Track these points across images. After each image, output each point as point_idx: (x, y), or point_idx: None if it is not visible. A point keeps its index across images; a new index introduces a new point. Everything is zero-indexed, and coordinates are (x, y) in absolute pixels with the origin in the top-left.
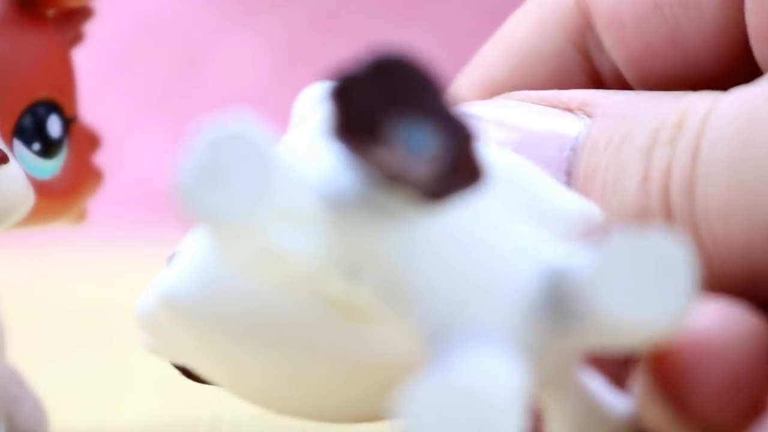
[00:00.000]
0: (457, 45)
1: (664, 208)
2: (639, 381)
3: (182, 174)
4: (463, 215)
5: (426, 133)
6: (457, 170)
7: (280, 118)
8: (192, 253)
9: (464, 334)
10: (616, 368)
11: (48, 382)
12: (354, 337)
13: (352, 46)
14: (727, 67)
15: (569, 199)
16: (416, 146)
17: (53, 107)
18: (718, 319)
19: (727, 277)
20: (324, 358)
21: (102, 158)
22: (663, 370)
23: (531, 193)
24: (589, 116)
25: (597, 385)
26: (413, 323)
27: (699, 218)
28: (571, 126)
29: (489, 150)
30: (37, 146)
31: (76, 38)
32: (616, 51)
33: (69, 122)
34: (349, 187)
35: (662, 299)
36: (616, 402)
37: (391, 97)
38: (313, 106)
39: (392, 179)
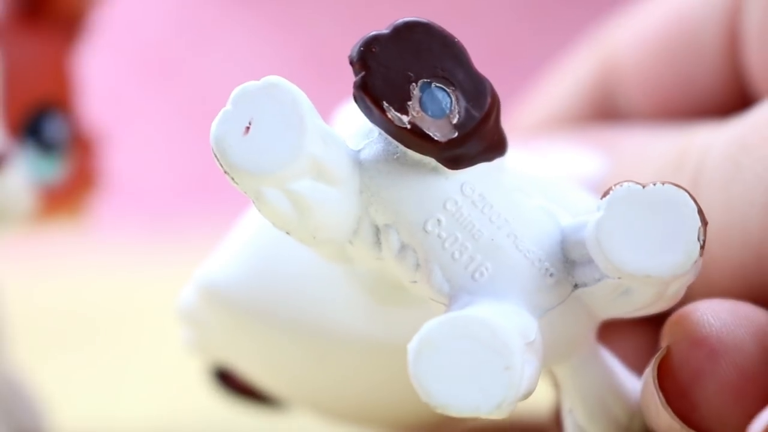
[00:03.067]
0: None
1: None
2: (645, 384)
3: (216, 130)
4: (485, 178)
5: (447, 96)
6: (476, 135)
7: None
8: (230, 245)
9: (482, 291)
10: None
11: (48, 382)
12: (386, 321)
13: (357, 33)
14: (728, 99)
15: (588, 199)
16: (436, 109)
17: (55, 109)
18: (725, 320)
19: (729, 297)
20: (356, 340)
21: (104, 160)
22: (671, 374)
23: (552, 190)
24: (611, 151)
25: (616, 365)
26: (435, 282)
27: None
28: (593, 164)
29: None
30: (38, 147)
31: (78, 41)
32: (638, 99)
33: (71, 124)
34: (376, 146)
35: (666, 244)
36: (633, 383)
37: (412, 60)
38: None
39: (412, 141)
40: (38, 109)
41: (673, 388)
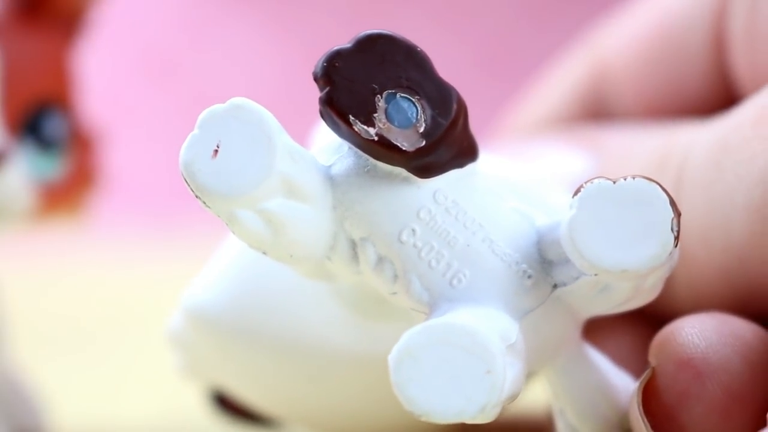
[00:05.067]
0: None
1: None
2: (631, 406)
3: (185, 154)
4: (457, 184)
5: (412, 105)
6: (445, 143)
7: (282, 105)
8: (214, 266)
9: (461, 298)
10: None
11: (48, 380)
12: (371, 336)
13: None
14: (715, 99)
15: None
16: (403, 119)
17: (55, 107)
18: (710, 339)
19: (714, 299)
20: (342, 356)
21: (103, 157)
22: (657, 396)
23: (532, 192)
24: (597, 151)
25: (604, 363)
26: (413, 292)
27: (683, 243)
28: (579, 164)
29: (494, 159)
30: (38, 145)
31: (78, 39)
32: (628, 100)
33: (70, 121)
34: (347, 160)
35: (640, 237)
36: (622, 380)
37: (378, 72)
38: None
39: (381, 153)
40: (38, 107)
41: (659, 410)
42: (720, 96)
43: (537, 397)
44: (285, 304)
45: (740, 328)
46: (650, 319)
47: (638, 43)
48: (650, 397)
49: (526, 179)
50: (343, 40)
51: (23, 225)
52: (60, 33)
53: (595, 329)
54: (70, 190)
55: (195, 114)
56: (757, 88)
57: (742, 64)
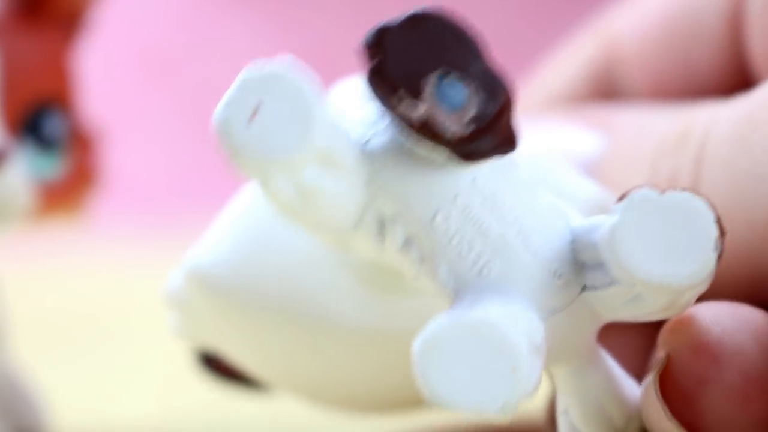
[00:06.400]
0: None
1: None
2: (646, 393)
3: (222, 112)
4: (496, 173)
5: (462, 89)
6: (491, 130)
7: None
8: (219, 228)
9: (488, 289)
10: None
11: (48, 380)
12: (380, 310)
13: (357, 33)
14: (728, 81)
15: (588, 186)
16: (451, 102)
17: (54, 106)
18: (724, 324)
19: (731, 279)
20: (350, 329)
21: (103, 157)
22: (673, 383)
23: (554, 177)
24: (607, 129)
25: (615, 367)
26: (440, 277)
27: None
28: (589, 143)
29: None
30: (37, 144)
31: (78, 38)
32: (639, 81)
33: (70, 121)
34: (384, 136)
35: (682, 253)
36: (630, 386)
37: (428, 51)
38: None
39: (425, 134)
40: (37, 106)
41: (676, 396)
42: (733, 78)
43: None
44: (292, 270)
45: (752, 314)
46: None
47: (650, 23)
48: (666, 384)
49: (546, 163)
50: (343, 40)
51: (23, 224)
52: (60, 33)
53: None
54: (69, 189)
55: (194, 114)
56: None
57: (758, 46)
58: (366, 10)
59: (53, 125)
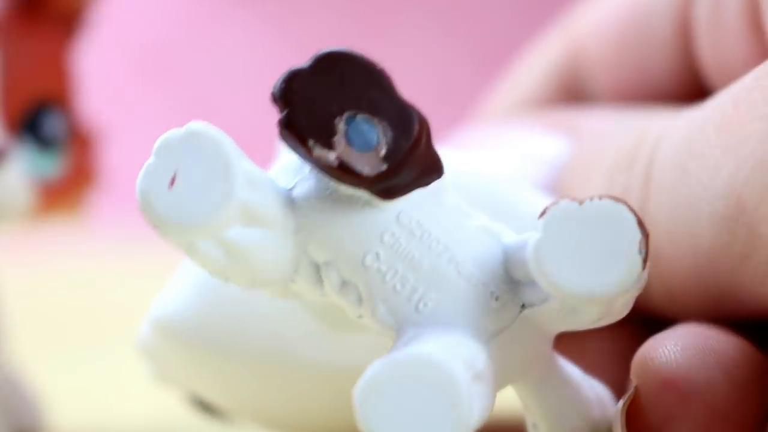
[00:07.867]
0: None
1: None
2: (614, 426)
3: (141, 184)
4: (422, 203)
5: (372, 128)
6: (407, 164)
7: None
8: (182, 276)
9: (427, 322)
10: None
11: (48, 380)
12: (340, 346)
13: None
14: (683, 87)
15: (539, 204)
16: (363, 142)
17: (54, 105)
18: (692, 357)
19: (688, 299)
20: (313, 367)
21: (102, 156)
22: (640, 417)
23: (507, 196)
24: (573, 134)
25: (575, 374)
26: (380, 316)
27: (653, 241)
28: (554, 147)
29: (456, 157)
30: (37, 143)
31: (77, 38)
32: (603, 85)
33: (69, 120)
34: (309, 181)
35: (608, 261)
36: (596, 389)
37: (336, 93)
38: None
39: (343, 177)
40: (37, 105)
41: (643, 430)
42: (687, 83)
43: (514, 404)
44: (253, 314)
45: (721, 343)
46: (629, 318)
47: (609, 26)
48: (634, 418)
49: (497, 181)
50: (343, 40)
51: (22, 223)
52: (59, 32)
53: (574, 332)
54: (69, 188)
55: (193, 112)
56: (721, 76)
57: (706, 52)
58: (365, 10)
59: (52, 124)
